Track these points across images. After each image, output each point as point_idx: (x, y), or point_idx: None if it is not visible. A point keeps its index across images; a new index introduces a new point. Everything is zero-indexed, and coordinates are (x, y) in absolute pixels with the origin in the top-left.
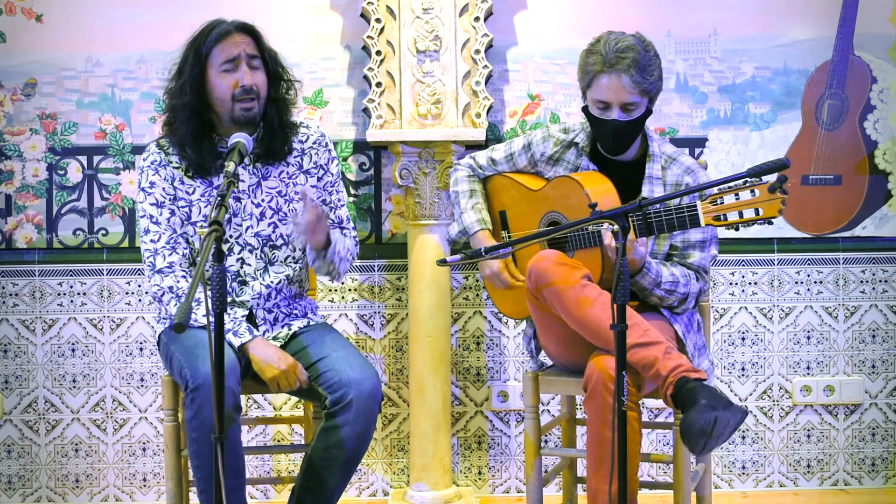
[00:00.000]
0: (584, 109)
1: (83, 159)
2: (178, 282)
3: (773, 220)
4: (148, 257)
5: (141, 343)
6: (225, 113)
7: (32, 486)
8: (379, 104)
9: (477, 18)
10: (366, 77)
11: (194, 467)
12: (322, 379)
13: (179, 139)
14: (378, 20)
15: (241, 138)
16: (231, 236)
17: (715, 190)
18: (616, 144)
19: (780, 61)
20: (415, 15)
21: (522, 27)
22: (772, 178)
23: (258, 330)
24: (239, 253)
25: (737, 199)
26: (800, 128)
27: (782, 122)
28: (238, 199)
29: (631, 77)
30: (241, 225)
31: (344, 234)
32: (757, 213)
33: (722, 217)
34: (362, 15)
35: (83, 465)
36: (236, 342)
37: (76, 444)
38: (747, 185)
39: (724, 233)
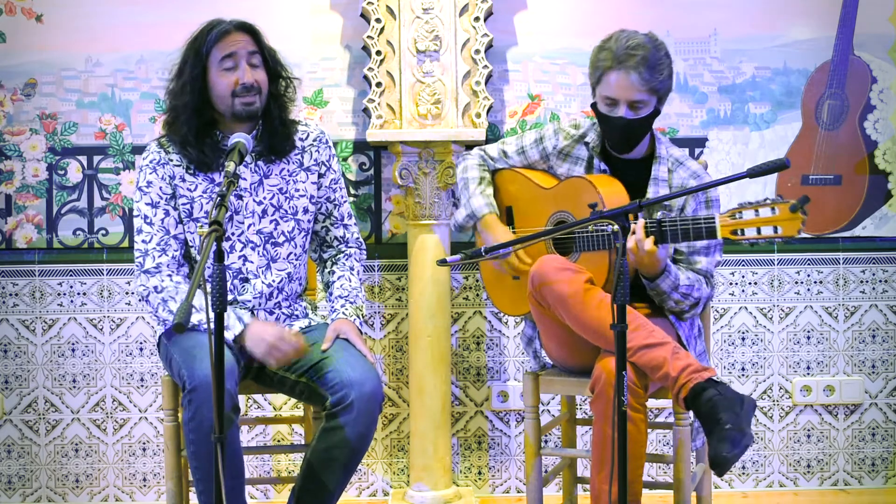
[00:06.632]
0: (593, 106)
1: (83, 159)
2: (163, 281)
3: (790, 239)
4: (138, 257)
5: (141, 343)
6: (226, 109)
7: (32, 486)
8: (379, 104)
9: (477, 18)
10: (366, 77)
11: (193, 468)
12: (324, 380)
13: (181, 138)
14: (378, 20)
15: (241, 138)
16: (233, 234)
17: (735, 204)
18: (623, 142)
19: (780, 61)
20: (415, 15)
21: (522, 27)
22: (776, 194)
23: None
24: (241, 250)
25: (756, 215)
26: (800, 128)
27: (782, 122)
28: (240, 197)
29: (640, 74)
30: (242, 223)
31: (346, 229)
32: (776, 230)
33: (739, 232)
34: (362, 15)
35: (83, 465)
36: (229, 336)
37: (76, 444)
38: (768, 202)
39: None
